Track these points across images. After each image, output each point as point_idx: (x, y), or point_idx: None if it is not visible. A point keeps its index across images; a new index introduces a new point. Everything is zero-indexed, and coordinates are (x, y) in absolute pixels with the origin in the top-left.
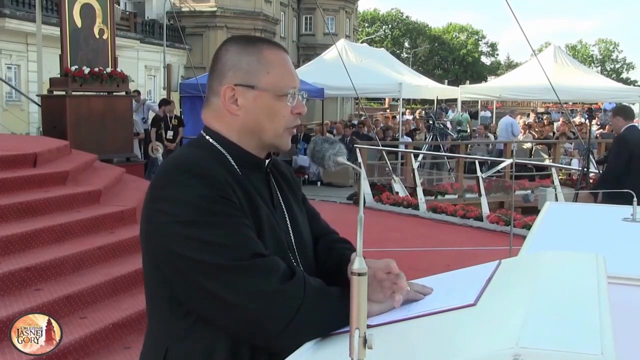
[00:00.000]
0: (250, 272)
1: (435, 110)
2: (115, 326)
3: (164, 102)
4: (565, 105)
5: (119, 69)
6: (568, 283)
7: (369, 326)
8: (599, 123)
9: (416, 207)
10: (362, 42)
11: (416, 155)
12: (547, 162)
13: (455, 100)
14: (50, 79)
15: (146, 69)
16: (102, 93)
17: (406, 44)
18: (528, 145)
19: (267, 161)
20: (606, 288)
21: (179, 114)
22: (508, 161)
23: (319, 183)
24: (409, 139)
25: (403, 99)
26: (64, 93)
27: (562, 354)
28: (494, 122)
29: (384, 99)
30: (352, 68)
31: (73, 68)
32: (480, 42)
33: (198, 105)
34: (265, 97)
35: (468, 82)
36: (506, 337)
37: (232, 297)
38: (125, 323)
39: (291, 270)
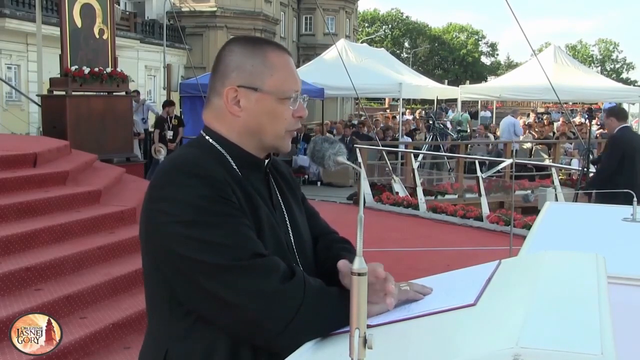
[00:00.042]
0: (250, 272)
1: (435, 110)
2: (115, 326)
3: (168, 104)
4: (565, 105)
5: (119, 69)
6: (568, 283)
7: (369, 326)
8: (598, 123)
9: (416, 207)
10: (362, 42)
11: (416, 155)
12: (547, 162)
13: (455, 100)
14: (50, 79)
15: (146, 69)
16: (102, 93)
17: (406, 44)
18: (528, 145)
19: (266, 161)
20: (606, 288)
21: (179, 114)
22: (508, 161)
23: (319, 183)
24: (409, 139)
25: (403, 99)
26: (64, 93)
27: (562, 354)
28: (494, 122)
29: (384, 99)
30: (352, 68)
31: (73, 68)
32: (480, 42)
33: (198, 106)
34: (268, 100)
35: (468, 82)
36: (506, 337)
37: (232, 297)
38: (125, 323)
39: (291, 270)
